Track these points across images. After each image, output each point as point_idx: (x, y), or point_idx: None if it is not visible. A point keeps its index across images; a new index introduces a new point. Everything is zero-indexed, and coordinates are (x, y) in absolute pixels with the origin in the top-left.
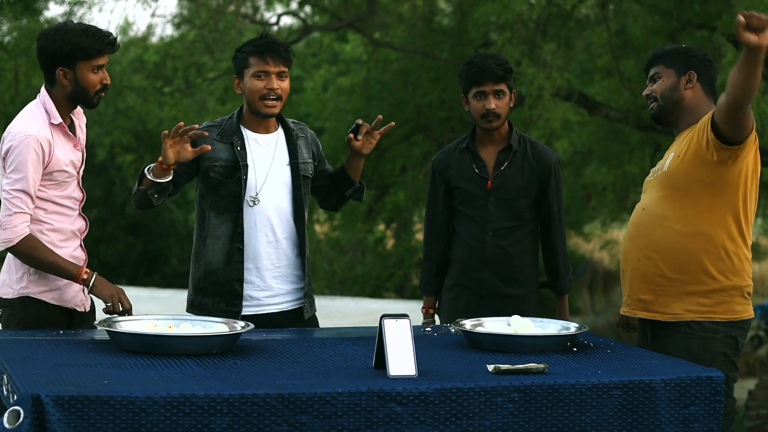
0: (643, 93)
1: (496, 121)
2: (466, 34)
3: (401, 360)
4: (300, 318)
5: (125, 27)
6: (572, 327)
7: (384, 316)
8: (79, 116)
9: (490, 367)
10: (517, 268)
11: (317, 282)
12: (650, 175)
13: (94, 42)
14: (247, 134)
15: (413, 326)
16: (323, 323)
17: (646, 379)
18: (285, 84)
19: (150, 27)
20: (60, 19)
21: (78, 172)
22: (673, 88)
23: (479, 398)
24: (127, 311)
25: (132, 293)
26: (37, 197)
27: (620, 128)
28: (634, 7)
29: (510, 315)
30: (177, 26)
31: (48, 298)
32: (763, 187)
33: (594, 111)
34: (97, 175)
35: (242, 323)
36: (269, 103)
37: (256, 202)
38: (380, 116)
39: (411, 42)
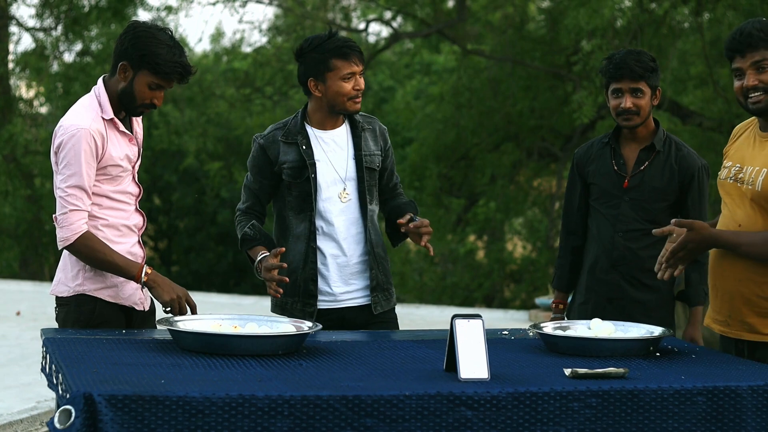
0: (750, 82)
1: (634, 119)
2: (557, 42)
3: (473, 362)
4: (369, 313)
5: (216, 36)
6: (656, 331)
7: (455, 316)
8: None
9: (567, 371)
10: (647, 272)
11: (406, 293)
12: (730, 179)
13: (169, 63)
14: (313, 132)
15: (489, 329)
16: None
17: (732, 386)
18: (363, 81)
19: (242, 36)
20: None
21: (133, 167)
22: None
23: (555, 403)
24: (192, 312)
25: (215, 300)
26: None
27: (714, 137)
28: (729, 14)
29: (639, 321)
30: (266, 32)
31: (104, 295)
32: None
33: (687, 119)
34: (187, 185)
35: (309, 323)
36: (357, 101)
37: (347, 198)
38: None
39: (501, 50)
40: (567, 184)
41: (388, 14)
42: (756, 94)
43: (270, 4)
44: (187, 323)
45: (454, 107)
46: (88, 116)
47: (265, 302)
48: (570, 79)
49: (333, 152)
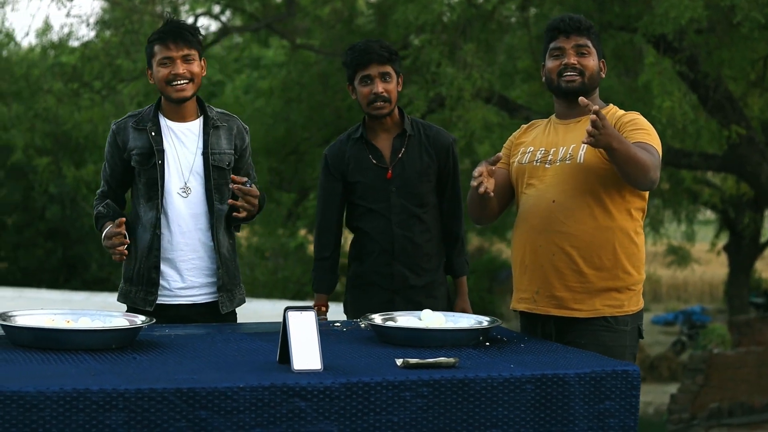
0: (570, 60)
1: (386, 106)
2: (386, 37)
3: (306, 354)
4: (216, 312)
5: (45, 29)
6: (485, 321)
7: (288, 308)
8: None
9: (399, 362)
10: (424, 257)
11: None
12: (536, 161)
13: None
14: (165, 123)
15: (322, 321)
16: None
17: (560, 373)
18: (193, 67)
19: (70, 30)
20: None
21: None
22: (598, 72)
23: (387, 393)
24: None
25: (46, 296)
26: None
27: None
28: (555, 9)
29: (422, 304)
30: (94, 26)
31: None
32: (686, 192)
33: (515, 113)
34: (15, 180)
35: (143, 318)
36: (178, 86)
37: (188, 192)
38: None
39: (330, 44)
40: (321, 184)
41: (216, 8)
42: (572, 73)
43: None
44: (19, 318)
45: (283, 102)
46: None
47: (96, 298)
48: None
49: (181, 145)
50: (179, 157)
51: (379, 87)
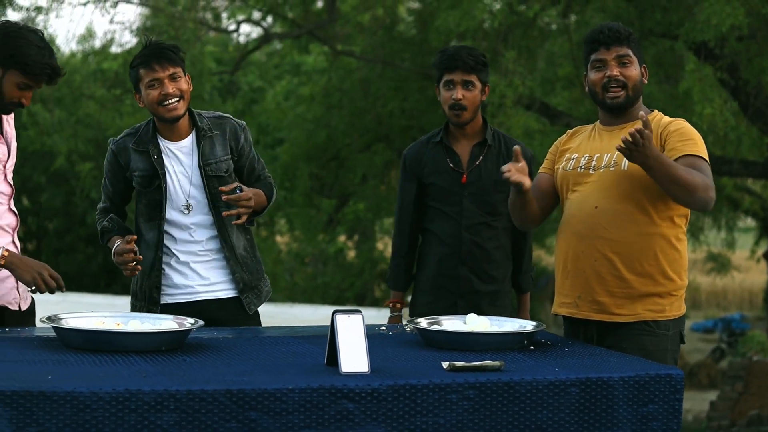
0: (612, 73)
1: (463, 114)
2: (427, 43)
3: (354, 356)
4: (241, 310)
5: (86, 36)
6: (529, 325)
7: (336, 311)
8: None
9: (445, 364)
10: (492, 264)
11: (278, 292)
12: (581, 168)
13: (38, 64)
14: (163, 144)
15: (368, 325)
16: None
17: (604, 377)
18: (181, 84)
19: (112, 37)
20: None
21: (5, 166)
22: (641, 81)
23: (433, 395)
24: (58, 288)
25: (89, 300)
26: None
27: None
28: (596, 16)
29: (486, 312)
30: (137, 33)
31: None
32: (726, 200)
33: (555, 120)
34: (56, 185)
35: (192, 320)
36: (170, 106)
37: (191, 209)
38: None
39: (372, 51)
40: (399, 184)
41: (257, 15)
42: (616, 87)
43: (141, 4)
44: (70, 321)
45: (324, 108)
46: None
47: None
48: None
49: (179, 164)
50: (179, 177)
51: (459, 93)
